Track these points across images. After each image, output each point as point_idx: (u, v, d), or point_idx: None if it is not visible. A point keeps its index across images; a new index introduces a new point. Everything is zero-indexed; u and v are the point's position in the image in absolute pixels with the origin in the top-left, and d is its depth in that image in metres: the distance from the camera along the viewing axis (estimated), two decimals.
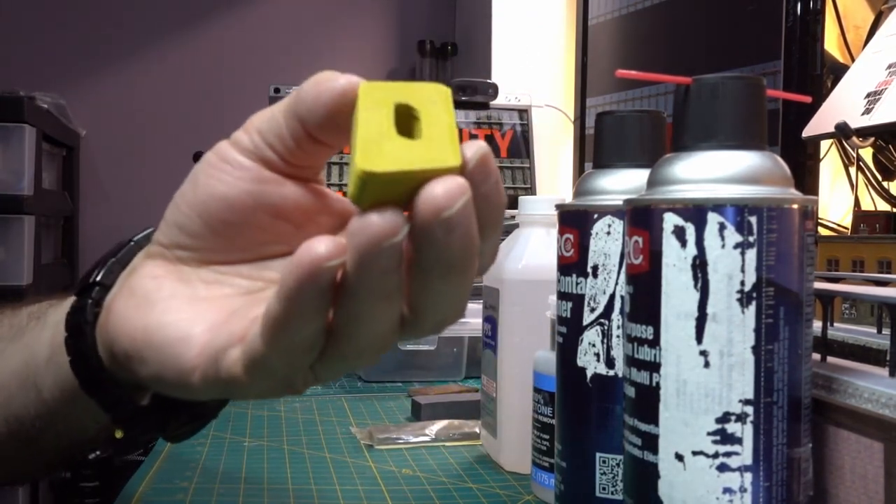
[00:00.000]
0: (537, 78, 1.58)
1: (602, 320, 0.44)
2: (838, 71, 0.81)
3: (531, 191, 1.39)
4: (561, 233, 0.46)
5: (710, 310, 0.33)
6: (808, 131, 0.74)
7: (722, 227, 0.33)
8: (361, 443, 0.67)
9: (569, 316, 0.45)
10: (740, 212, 0.33)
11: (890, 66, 0.70)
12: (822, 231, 0.88)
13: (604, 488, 0.44)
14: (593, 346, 0.44)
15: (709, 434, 0.33)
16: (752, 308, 0.33)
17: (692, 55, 1.01)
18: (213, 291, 0.33)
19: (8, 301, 0.47)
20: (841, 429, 0.36)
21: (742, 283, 0.33)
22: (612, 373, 0.44)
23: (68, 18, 2.08)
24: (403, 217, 0.26)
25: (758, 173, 0.34)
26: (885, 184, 0.84)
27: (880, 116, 0.67)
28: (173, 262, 0.34)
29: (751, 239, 0.33)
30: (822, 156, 0.84)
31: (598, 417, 0.44)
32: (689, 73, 0.36)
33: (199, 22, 2.14)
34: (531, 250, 0.59)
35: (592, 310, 0.44)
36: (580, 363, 0.44)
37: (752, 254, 0.33)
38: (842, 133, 0.69)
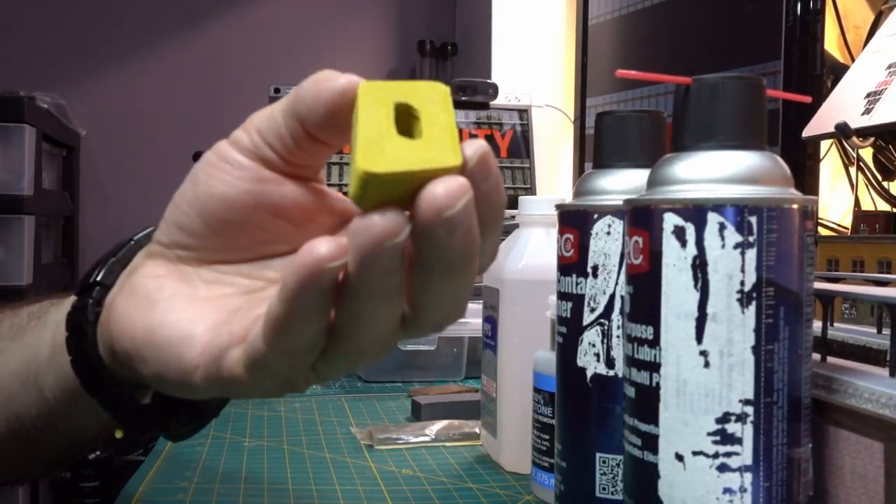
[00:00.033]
0: (537, 78, 1.58)
1: (602, 320, 0.44)
2: (838, 71, 0.81)
3: (531, 191, 1.39)
4: (561, 233, 0.46)
5: (710, 310, 0.33)
6: (808, 131, 0.74)
7: (722, 227, 0.33)
8: (361, 443, 0.67)
9: (569, 316, 0.45)
10: (740, 212, 0.33)
11: (890, 66, 0.70)
12: (822, 231, 0.88)
13: (604, 488, 0.44)
14: (593, 346, 0.44)
15: (709, 434, 0.33)
16: (752, 308, 0.33)
17: (692, 55, 1.01)
18: (213, 291, 0.33)
19: (8, 301, 0.48)
20: (841, 429, 0.36)
21: (742, 283, 0.33)
22: (612, 373, 0.44)
23: (68, 18, 2.08)
24: (405, 217, 0.26)
25: (758, 173, 0.34)
26: (885, 184, 0.84)
27: (880, 116, 0.67)
28: (174, 261, 0.34)
29: (751, 239, 0.33)
30: (822, 156, 0.84)
31: (598, 417, 0.44)
32: (689, 73, 0.36)
33: (199, 22, 2.14)
34: (531, 250, 0.59)
35: (592, 310, 0.44)
36: (580, 363, 0.44)
37: (752, 254, 0.33)
38: (842, 133, 0.69)
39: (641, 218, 0.35)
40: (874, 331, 0.44)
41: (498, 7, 1.62)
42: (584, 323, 0.44)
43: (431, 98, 0.27)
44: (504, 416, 0.60)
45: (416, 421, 0.74)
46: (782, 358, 0.33)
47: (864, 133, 0.69)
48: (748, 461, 0.33)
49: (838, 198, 0.93)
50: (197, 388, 0.31)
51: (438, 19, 2.15)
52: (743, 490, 0.33)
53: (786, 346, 0.33)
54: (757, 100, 0.36)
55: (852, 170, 0.87)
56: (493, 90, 1.39)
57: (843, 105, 0.72)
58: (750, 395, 0.33)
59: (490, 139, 1.39)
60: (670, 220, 0.34)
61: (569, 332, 0.45)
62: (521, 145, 1.41)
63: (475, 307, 0.63)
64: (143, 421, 0.37)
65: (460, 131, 0.27)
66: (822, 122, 0.73)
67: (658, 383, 0.34)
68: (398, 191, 0.26)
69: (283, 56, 2.13)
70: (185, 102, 2.11)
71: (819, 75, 0.80)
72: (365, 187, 0.25)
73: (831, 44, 0.89)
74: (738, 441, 0.33)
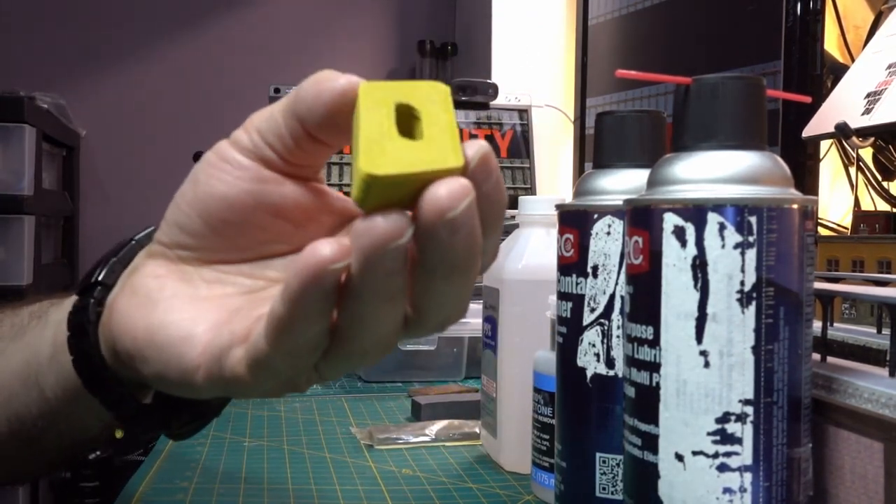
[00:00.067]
0: (537, 78, 1.58)
1: (602, 320, 0.44)
2: (838, 71, 0.81)
3: (531, 191, 1.39)
4: (561, 233, 0.46)
5: (710, 310, 0.33)
6: (808, 131, 0.74)
7: (722, 227, 0.33)
8: (361, 443, 0.67)
9: (569, 316, 0.45)
10: (740, 212, 0.33)
11: (890, 66, 0.70)
12: (822, 231, 0.88)
13: (604, 488, 0.44)
14: (593, 346, 0.44)
15: (709, 434, 0.33)
16: (752, 308, 0.33)
17: (692, 55, 1.01)
18: (214, 290, 0.33)
19: (8, 301, 0.48)
20: (841, 429, 0.36)
21: (742, 283, 0.33)
22: (612, 373, 0.44)
23: (68, 19, 2.08)
24: (408, 219, 0.26)
25: (758, 173, 0.34)
26: (885, 184, 0.84)
27: (880, 116, 0.67)
28: (175, 261, 0.34)
29: (751, 239, 0.33)
30: (822, 156, 0.84)
31: (598, 417, 0.44)
32: (689, 73, 0.36)
33: (199, 22, 2.14)
34: (531, 250, 0.59)
35: (592, 310, 0.44)
36: (580, 363, 0.44)
37: (752, 254, 0.33)
38: (842, 133, 0.69)
39: (641, 218, 0.35)
40: (874, 331, 0.44)
41: (498, 7, 1.62)
42: (584, 323, 0.44)
43: (432, 98, 0.27)
44: (504, 416, 0.60)
45: (416, 421, 0.74)
46: (782, 358, 0.33)
47: (864, 133, 0.69)
48: (748, 461, 0.33)
49: (838, 198, 0.93)
50: (198, 388, 0.31)
51: (438, 19, 2.15)
52: (743, 490, 0.33)
53: (786, 346, 0.33)
54: (757, 100, 0.36)
55: (852, 170, 0.87)
56: (493, 90, 1.39)
57: (843, 105, 0.72)
58: (750, 395, 0.33)
59: (490, 139, 1.39)
60: (670, 220, 0.34)
61: (569, 332, 0.45)
62: (521, 145, 1.41)
63: (475, 307, 0.63)
64: (145, 420, 0.38)
65: (460, 131, 0.27)
66: (822, 122, 0.73)
67: (658, 383, 0.34)
68: (400, 192, 0.26)
69: (283, 56, 2.13)
70: (185, 102, 2.11)
71: (819, 75, 0.80)
72: (367, 189, 0.25)
73: (831, 44, 0.89)
74: (738, 441, 0.33)
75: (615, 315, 0.43)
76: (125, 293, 0.34)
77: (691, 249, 0.33)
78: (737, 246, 0.33)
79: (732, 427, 0.33)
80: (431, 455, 0.64)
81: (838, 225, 0.91)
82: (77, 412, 0.39)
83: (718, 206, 0.33)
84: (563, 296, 0.45)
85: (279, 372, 0.29)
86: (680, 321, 0.33)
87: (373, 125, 0.26)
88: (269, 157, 0.32)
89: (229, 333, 0.30)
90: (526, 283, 0.58)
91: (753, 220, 0.32)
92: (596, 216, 0.44)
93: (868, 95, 0.70)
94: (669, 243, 0.34)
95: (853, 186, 0.84)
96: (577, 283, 0.44)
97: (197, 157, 0.34)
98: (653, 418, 0.34)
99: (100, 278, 0.36)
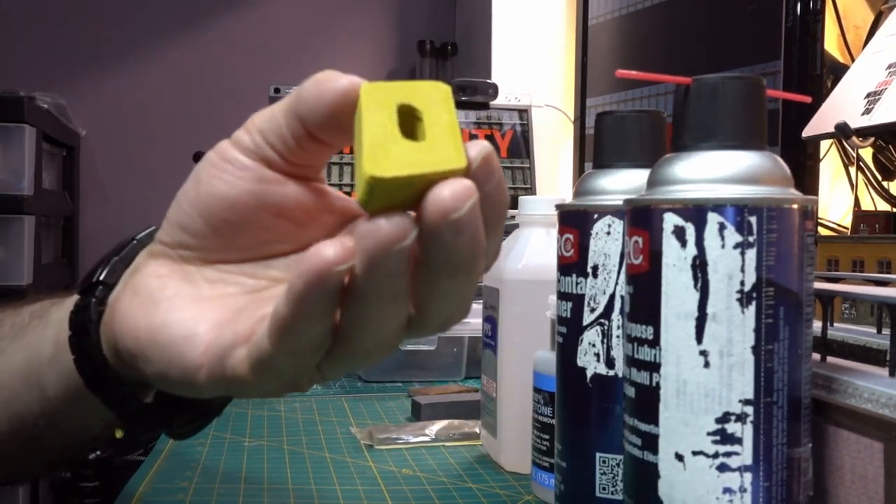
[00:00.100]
0: (537, 78, 1.58)
1: (602, 320, 0.44)
2: (838, 71, 0.81)
3: (531, 191, 1.39)
4: (561, 233, 0.46)
5: (710, 310, 0.33)
6: (808, 131, 0.74)
7: (722, 227, 0.33)
8: (361, 443, 0.67)
9: (569, 316, 0.45)
10: (740, 212, 0.33)
11: (890, 66, 0.70)
12: (822, 231, 0.88)
13: (604, 488, 0.44)
14: (593, 346, 0.44)
15: (709, 434, 0.33)
16: (752, 308, 0.33)
17: (692, 55, 1.01)
18: (216, 290, 0.33)
19: (9, 300, 0.48)
20: (841, 429, 0.36)
21: (742, 283, 0.33)
22: (612, 373, 0.44)
23: (68, 18, 2.08)
24: (412, 221, 0.26)
25: (758, 173, 0.34)
26: (885, 184, 0.84)
27: (880, 116, 0.67)
28: (177, 261, 0.34)
29: (751, 239, 0.33)
30: (822, 156, 0.84)
31: (598, 417, 0.44)
32: (689, 73, 0.36)
33: (199, 22, 2.14)
34: (531, 250, 0.59)
35: (592, 310, 0.44)
36: (580, 363, 0.44)
37: (752, 254, 0.33)
38: (842, 133, 0.69)
39: (641, 218, 0.35)
40: (874, 331, 0.44)
41: (498, 7, 1.62)
42: (584, 323, 0.44)
43: (433, 98, 0.27)
44: (504, 416, 0.60)
45: (416, 421, 0.74)
46: (782, 358, 0.33)
47: (863, 133, 0.69)
48: (748, 461, 0.33)
49: (838, 198, 0.93)
50: (201, 388, 0.31)
51: (438, 19, 2.15)
52: (743, 490, 0.33)
53: (786, 346, 0.33)
54: (757, 100, 0.36)
55: (852, 170, 0.87)
56: (493, 90, 1.39)
57: (843, 105, 0.72)
58: (750, 395, 0.33)
59: (490, 139, 1.39)
60: (670, 220, 0.34)
61: (569, 332, 0.45)
62: (521, 145, 1.41)
63: (475, 307, 0.63)
64: (147, 420, 0.38)
65: (460, 131, 0.27)
66: (822, 122, 0.73)
67: (658, 383, 0.34)
68: (404, 194, 0.26)
69: (283, 56, 2.13)
70: (185, 102, 2.11)
71: (819, 75, 0.80)
72: (372, 192, 0.25)
73: (831, 44, 0.89)
74: (738, 441, 0.33)
75: (615, 315, 0.43)
76: (127, 293, 0.34)
77: (691, 249, 0.33)
78: (737, 246, 0.33)
79: (732, 427, 0.33)
80: (431, 455, 0.64)
81: (838, 225, 0.91)
82: (78, 411, 0.39)
83: (718, 206, 0.33)
84: (563, 296, 0.45)
85: (282, 372, 0.29)
86: (680, 321, 0.34)
87: (375, 127, 0.26)
88: (271, 157, 0.32)
89: (232, 333, 0.30)
90: (526, 283, 0.58)
91: (753, 220, 0.33)
92: (596, 216, 0.44)
93: (868, 95, 0.70)
94: (669, 243, 0.34)
95: (853, 186, 0.84)
96: (577, 283, 0.44)
97: (197, 157, 0.34)
98: (653, 418, 0.34)
99: (101, 278, 0.37)
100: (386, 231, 0.25)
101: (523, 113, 1.42)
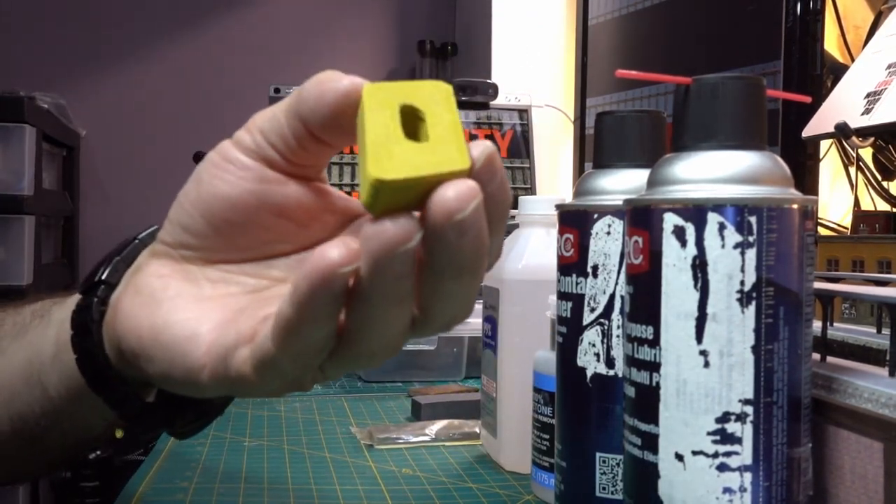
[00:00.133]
0: (537, 78, 1.58)
1: (602, 320, 0.44)
2: (838, 71, 0.81)
3: (531, 191, 1.39)
4: (561, 233, 0.46)
5: (710, 310, 0.33)
6: (808, 131, 0.74)
7: (722, 227, 0.33)
8: (361, 443, 0.67)
9: (569, 316, 0.45)
10: (740, 212, 0.33)
11: (890, 66, 0.70)
12: (822, 231, 0.88)
13: (604, 488, 0.44)
14: (593, 346, 0.44)
15: (709, 434, 0.33)
16: (752, 308, 0.33)
17: (692, 55, 1.01)
18: (218, 290, 0.33)
19: (10, 300, 0.48)
20: (841, 429, 0.36)
21: (742, 283, 0.33)
22: (612, 373, 0.44)
23: (68, 18, 2.08)
24: (417, 223, 0.26)
25: (758, 173, 0.34)
26: (884, 184, 0.84)
27: (880, 116, 0.67)
28: (179, 261, 0.34)
29: (751, 239, 0.33)
30: (822, 156, 0.84)
31: (598, 417, 0.44)
32: (689, 73, 0.36)
33: (199, 22, 2.14)
34: (531, 250, 0.59)
35: (592, 310, 0.44)
36: (580, 363, 0.44)
37: (751, 254, 0.33)
38: (842, 133, 0.69)
39: (641, 218, 0.35)
40: (874, 331, 0.44)
41: (498, 7, 1.62)
42: (584, 323, 0.44)
43: (435, 98, 0.27)
44: (504, 416, 0.60)
45: (416, 421, 0.74)
46: (782, 358, 0.33)
47: (863, 133, 0.69)
48: (748, 461, 0.33)
49: (838, 198, 0.93)
50: (203, 387, 0.31)
51: (438, 19, 2.15)
52: (743, 490, 0.33)
53: (786, 346, 0.33)
54: (757, 100, 0.36)
55: (852, 170, 0.87)
56: (493, 90, 1.39)
57: (843, 105, 0.72)
58: (750, 395, 0.33)
59: (490, 139, 1.39)
60: (670, 220, 0.34)
61: (569, 331, 0.45)
62: (521, 145, 1.41)
63: (475, 307, 0.63)
64: (149, 419, 0.38)
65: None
66: (821, 122, 0.73)
67: (658, 383, 0.34)
68: (409, 195, 0.26)
69: (283, 56, 2.13)
70: (185, 102, 2.11)
71: (819, 75, 0.80)
72: (376, 194, 0.25)
73: (831, 44, 0.89)
74: (738, 441, 0.33)
75: (615, 315, 0.44)
76: (129, 292, 0.35)
77: (691, 249, 0.33)
78: (737, 246, 0.33)
79: (732, 427, 0.33)
80: (431, 455, 0.64)
81: (838, 225, 0.91)
82: (80, 411, 0.39)
83: (718, 206, 0.33)
84: (563, 296, 0.45)
85: (285, 372, 0.29)
86: (680, 321, 0.34)
87: (378, 128, 0.26)
88: (272, 158, 0.32)
89: (235, 333, 0.30)
90: (526, 283, 0.58)
91: (753, 220, 0.33)
92: (596, 216, 0.44)
93: (868, 95, 0.70)
94: (669, 243, 0.34)
95: (853, 186, 0.84)
96: (577, 283, 0.44)
97: (197, 157, 0.35)
98: (653, 418, 0.34)
99: (103, 277, 0.37)
100: (392, 233, 0.25)
101: (523, 113, 1.42)
